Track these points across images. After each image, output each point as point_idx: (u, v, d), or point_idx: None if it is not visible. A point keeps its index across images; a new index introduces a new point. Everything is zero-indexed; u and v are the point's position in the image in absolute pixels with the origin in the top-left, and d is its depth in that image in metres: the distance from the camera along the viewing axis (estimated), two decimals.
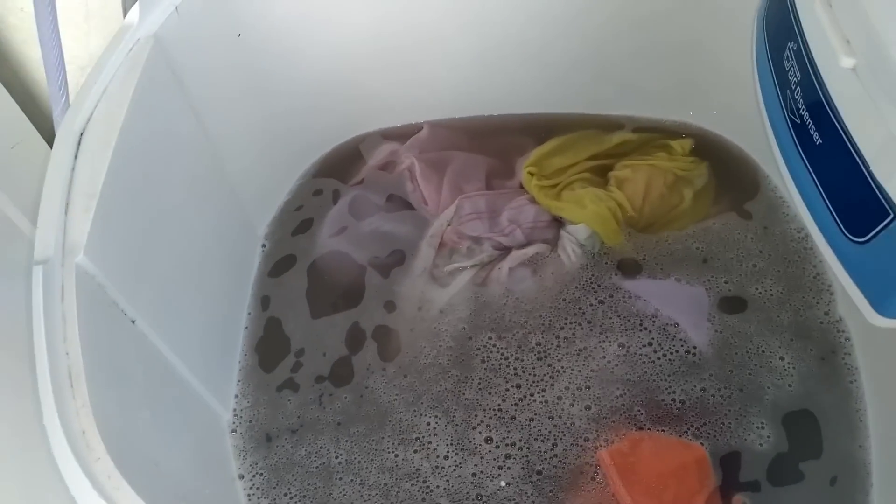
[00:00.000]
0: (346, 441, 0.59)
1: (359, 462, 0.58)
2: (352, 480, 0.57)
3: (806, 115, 0.40)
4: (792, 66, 0.42)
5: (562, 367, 0.60)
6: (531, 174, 0.69)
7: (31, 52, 0.75)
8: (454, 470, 0.56)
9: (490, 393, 0.60)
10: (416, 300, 0.66)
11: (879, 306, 0.38)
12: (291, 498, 0.57)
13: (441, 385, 0.61)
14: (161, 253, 0.52)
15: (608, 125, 0.75)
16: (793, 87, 0.42)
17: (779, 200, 0.69)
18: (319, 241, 0.71)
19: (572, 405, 0.58)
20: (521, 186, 0.71)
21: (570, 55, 0.71)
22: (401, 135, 0.76)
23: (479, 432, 0.58)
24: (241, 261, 0.69)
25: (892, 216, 0.34)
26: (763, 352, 0.60)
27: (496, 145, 0.75)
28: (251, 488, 0.57)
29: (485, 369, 0.61)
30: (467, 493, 0.55)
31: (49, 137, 0.75)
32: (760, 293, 0.63)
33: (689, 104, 0.74)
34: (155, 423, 0.47)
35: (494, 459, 0.57)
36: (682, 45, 0.69)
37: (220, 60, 0.60)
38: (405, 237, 0.70)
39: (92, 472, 0.36)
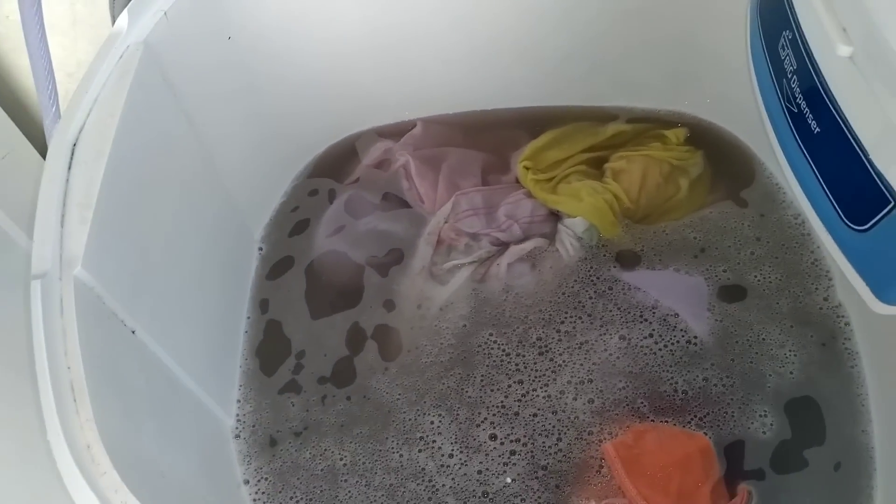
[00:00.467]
0: (350, 442, 0.59)
1: (364, 463, 0.58)
2: (357, 482, 0.57)
3: (803, 103, 0.40)
4: (788, 54, 0.41)
5: (563, 362, 0.60)
6: (527, 168, 0.69)
7: (18, 61, 0.75)
8: (459, 468, 0.56)
9: (493, 390, 0.60)
10: (415, 298, 0.66)
11: (881, 293, 0.38)
12: (297, 501, 0.57)
13: (443, 383, 0.61)
14: (158, 262, 0.52)
15: (602, 117, 0.74)
16: (789, 76, 0.41)
17: (775, 187, 0.69)
18: (317, 242, 0.71)
19: (575, 399, 0.59)
20: (517, 181, 0.71)
21: (562, 48, 0.71)
22: (395, 132, 0.76)
23: (483, 430, 0.58)
24: (239, 265, 0.68)
25: (892, 204, 0.34)
26: (764, 339, 0.60)
27: (491, 140, 0.75)
28: (257, 493, 0.57)
29: (486, 366, 0.61)
30: (473, 490, 0.55)
31: (39, 146, 0.74)
32: (759, 281, 0.63)
33: (682, 93, 0.74)
34: (159, 433, 0.47)
35: (499, 456, 0.57)
36: (674, 35, 0.69)
37: (210, 64, 0.60)
38: (402, 236, 0.69)
39: (98, 487, 0.36)
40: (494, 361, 0.61)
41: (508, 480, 0.56)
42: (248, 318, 0.67)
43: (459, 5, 0.67)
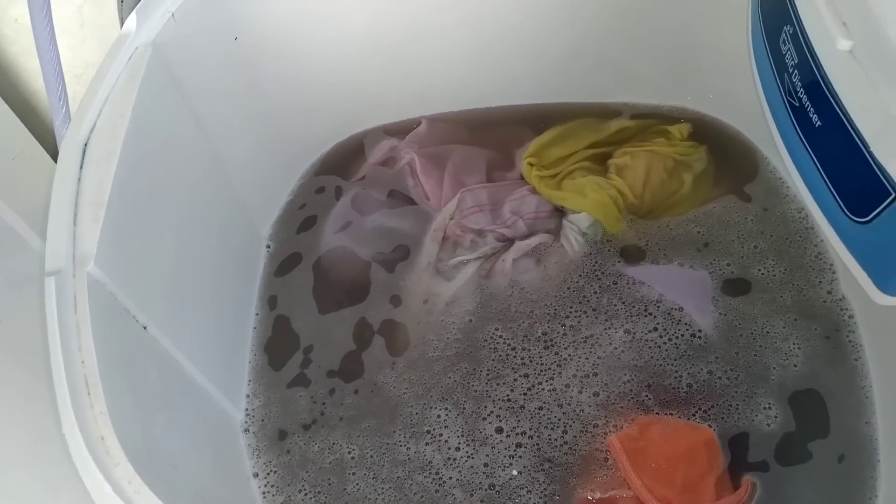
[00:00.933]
0: (358, 436, 0.59)
1: (371, 456, 0.58)
2: (365, 475, 0.58)
3: (805, 98, 0.41)
4: (789, 49, 0.42)
5: (569, 356, 0.61)
6: (531, 165, 0.70)
7: (27, 63, 0.75)
8: (466, 461, 0.57)
9: (499, 383, 0.60)
10: (421, 294, 0.66)
11: (884, 285, 0.38)
12: (306, 494, 0.57)
13: (450, 377, 0.61)
14: (168, 259, 0.52)
15: (606, 113, 0.75)
16: (790, 71, 0.42)
17: (778, 181, 0.70)
18: (324, 238, 0.71)
19: (580, 392, 0.59)
20: (522, 177, 0.71)
21: (566, 45, 0.71)
22: (401, 130, 0.76)
23: (490, 423, 0.59)
24: (247, 262, 0.69)
25: (893, 195, 0.35)
26: (768, 332, 0.60)
27: (495, 137, 0.75)
28: (266, 486, 0.58)
29: (492, 360, 0.62)
30: (480, 483, 0.56)
31: (49, 147, 0.75)
32: (763, 274, 0.64)
33: (685, 89, 0.74)
34: (170, 426, 0.47)
35: (505, 449, 0.57)
36: (677, 31, 0.69)
37: (218, 64, 0.60)
38: (408, 232, 0.70)
39: (112, 478, 0.37)
40: (500, 356, 0.62)
41: (514, 473, 0.56)
42: (257, 314, 0.67)
43: (464, 4, 0.67)
